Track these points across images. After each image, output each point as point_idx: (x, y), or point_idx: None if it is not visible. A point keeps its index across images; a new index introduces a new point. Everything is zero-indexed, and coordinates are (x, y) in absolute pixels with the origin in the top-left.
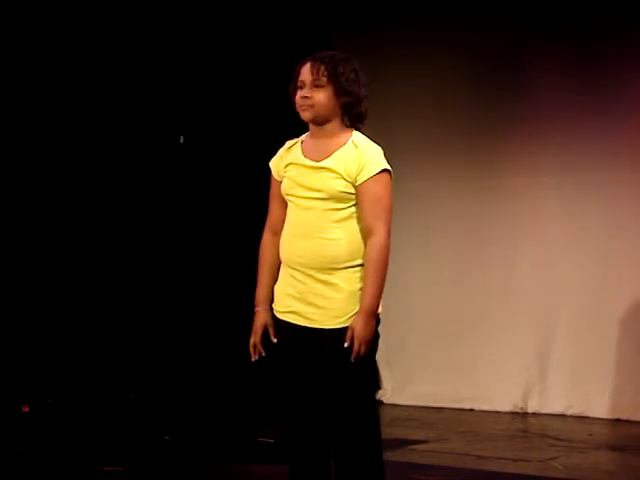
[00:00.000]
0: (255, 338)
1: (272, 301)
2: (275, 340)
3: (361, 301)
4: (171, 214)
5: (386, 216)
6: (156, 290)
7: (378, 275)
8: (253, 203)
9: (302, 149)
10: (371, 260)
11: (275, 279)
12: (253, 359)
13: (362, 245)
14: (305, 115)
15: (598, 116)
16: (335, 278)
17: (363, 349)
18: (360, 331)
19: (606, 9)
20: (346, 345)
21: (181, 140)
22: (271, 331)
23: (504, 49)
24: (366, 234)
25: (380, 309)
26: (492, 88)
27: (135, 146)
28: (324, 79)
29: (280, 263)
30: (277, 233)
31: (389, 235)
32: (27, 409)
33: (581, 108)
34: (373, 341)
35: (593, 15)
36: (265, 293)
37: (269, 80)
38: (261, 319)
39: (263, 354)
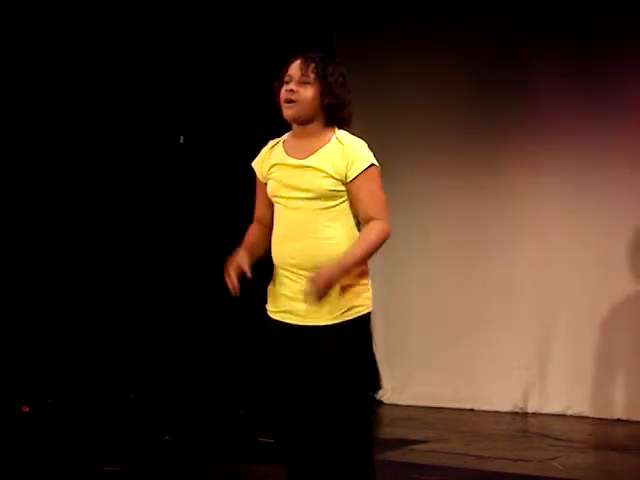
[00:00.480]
0: (230, 267)
1: (252, 255)
2: (250, 275)
3: (342, 256)
4: (171, 214)
5: (385, 208)
6: (156, 290)
7: (370, 247)
8: (253, 203)
9: (285, 148)
10: (371, 233)
11: (256, 248)
12: (233, 290)
13: (355, 241)
14: (288, 113)
15: (598, 116)
16: None
17: (315, 288)
18: (324, 271)
19: (606, 9)
20: (306, 284)
21: (181, 140)
22: (243, 263)
23: (504, 49)
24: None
25: (370, 308)
26: (492, 88)
27: (135, 146)
28: (312, 76)
29: (265, 244)
30: (265, 226)
31: (391, 225)
32: (27, 409)
33: (581, 108)
34: (365, 339)
35: (593, 15)
36: (244, 246)
37: (269, 80)
38: (236, 255)
39: (237, 282)
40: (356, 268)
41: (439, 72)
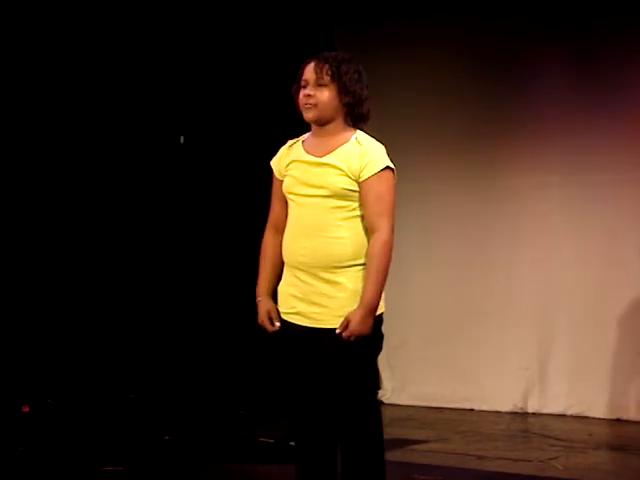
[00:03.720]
0: (267, 327)
1: (274, 293)
2: (278, 324)
3: (361, 296)
4: (171, 214)
5: (389, 213)
6: (156, 290)
7: (380, 271)
8: (253, 202)
9: (304, 147)
10: (373, 256)
11: (277, 275)
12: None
13: (366, 243)
14: (308, 115)
15: (599, 116)
16: (339, 277)
17: (349, 334)
18: (355, 324)
19: (606, 9)
20: (337, 331)
21: (181, 140)
22: (273, 316)
23: (504, 49)
24: (369, 231)
25: (383, 309)
26: (492, 88)
27: (135, 146)
28: (327, 78)
29: (282, 260)
30: (279, 231)
31: (392, 232)
32: (27, 409)
33: (582, 108)
34: (377, 342)
35: (593, 15)
36: (265, 284)
37: (270, 80)
38: (263, 307)
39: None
40: (379, 296)
41: (439, 71)
